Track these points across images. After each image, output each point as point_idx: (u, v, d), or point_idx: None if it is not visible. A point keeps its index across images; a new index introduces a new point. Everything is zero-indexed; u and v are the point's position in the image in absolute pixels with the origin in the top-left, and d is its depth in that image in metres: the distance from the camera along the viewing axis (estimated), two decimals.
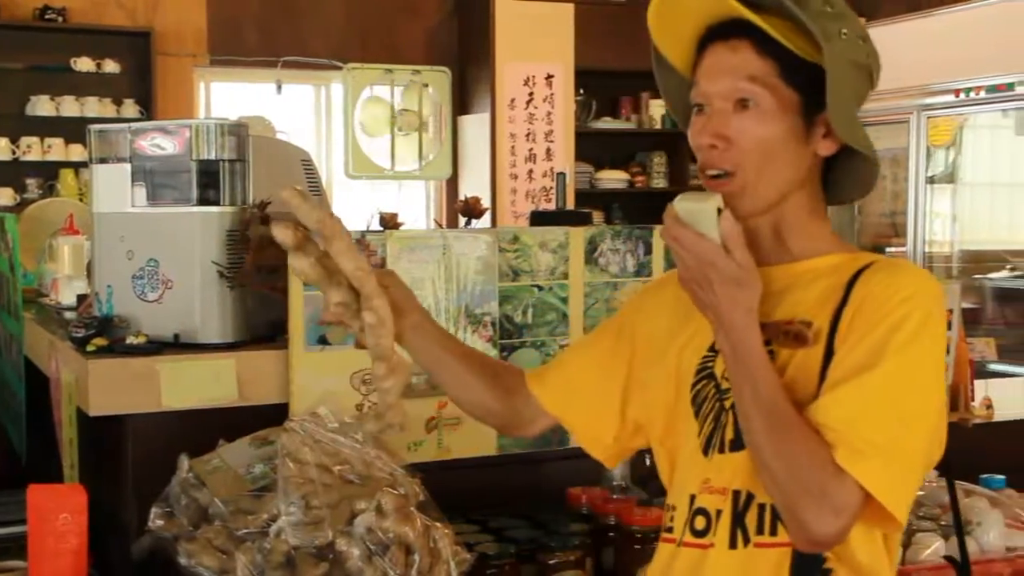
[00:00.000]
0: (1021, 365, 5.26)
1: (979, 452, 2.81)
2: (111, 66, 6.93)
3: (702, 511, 1.48)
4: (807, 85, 1.41)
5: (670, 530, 1.54)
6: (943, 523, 2.27)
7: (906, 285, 1.39)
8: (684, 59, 1.52)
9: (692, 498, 1.49)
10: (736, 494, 1.44)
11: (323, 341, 2.36)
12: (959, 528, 1.83)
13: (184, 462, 2.17)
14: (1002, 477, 2.64)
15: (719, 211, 1.37)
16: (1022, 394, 3.84)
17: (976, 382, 3.04)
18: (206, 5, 7.15)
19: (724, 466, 1.46)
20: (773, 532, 1.41)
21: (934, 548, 2.18)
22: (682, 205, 1.38)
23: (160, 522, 2.12)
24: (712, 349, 1.49)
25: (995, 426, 2.92)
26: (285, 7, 7.32)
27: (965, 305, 5.21)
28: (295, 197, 1.44)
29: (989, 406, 2.97)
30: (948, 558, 1.96)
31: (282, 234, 1.46)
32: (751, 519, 1.43)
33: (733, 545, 1.44)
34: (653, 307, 1.64)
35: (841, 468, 1.31)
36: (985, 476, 2.63)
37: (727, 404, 1.46)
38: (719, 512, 1.46)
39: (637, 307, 1.68)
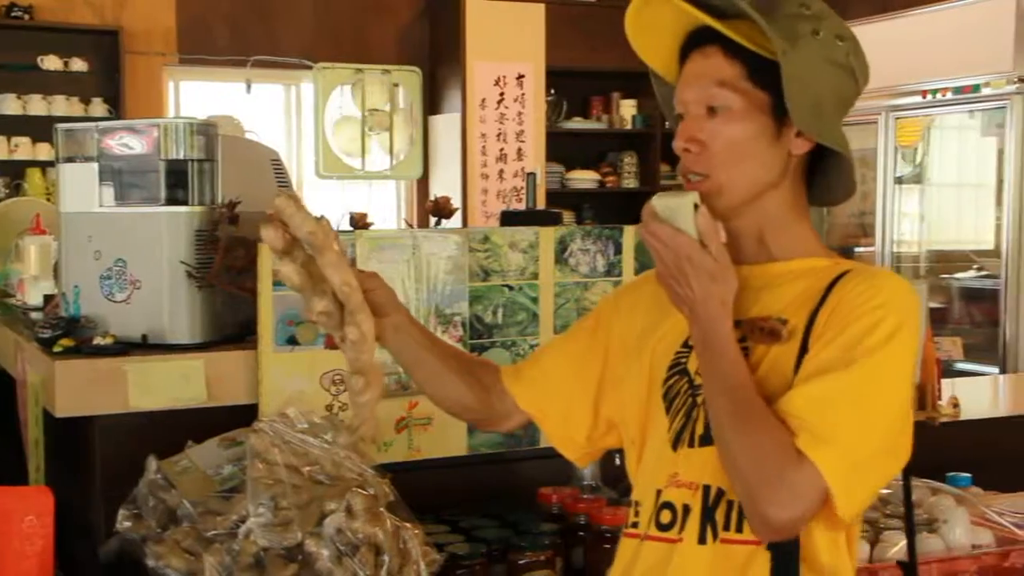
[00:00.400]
0: (987, 364, 5.31)
1: (945, 451, 2.84)
2: (79, 65, 6.87)
3: (668, 505, 1.49)
4: (777, 86, 1.42)
5: (635, 525, 1.55)
6: None
7: (883, 292, 1.41)
8: (669, 69, 1.55)
9: (658, 493, 1.50)
10: (707, 489, 1.46)
11: (292, 341, 2.35)
12: (910, 528, 1.86)
13: (152, 463, 2.16)
14: (968, 475, 2.66)
15: (696, 207, 1.40)
16: (988, 393, 3.88)
17: (943, 381, 3.06)
18: (175, 4, 7.11)
19: (693, 460, 1.47)
20: (739, 529, 1.42)
21: (900, 546, 2.19)
22: (660, 201, 1.42)
23: (128, 524, 2.11)
24: (686, 345, 1.51)
25: (961, 425, 2.95)
26: (255, 6, 7.29)
27: (932, 305, 5.26)
28: (288, 205, 1.42)
29: (956, 405, 2.99)
30: (900, 563, 1.97)
31: (269, 237, 1.44)
32: (720, 515, 1.44)
33: (702, 540, 1.45)
34: (629, 305, 1.65)
35: (801, 453, 1.33)
36: (951, 474, 2.65)
37: (699, 400, 1.47)
38: (686, 507, 1.47)
39: (613, 306, 1.69)
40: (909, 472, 1.73)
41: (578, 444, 1.68)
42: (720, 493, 1.44)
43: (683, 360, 1.52)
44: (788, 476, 1.33)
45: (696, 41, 1.48)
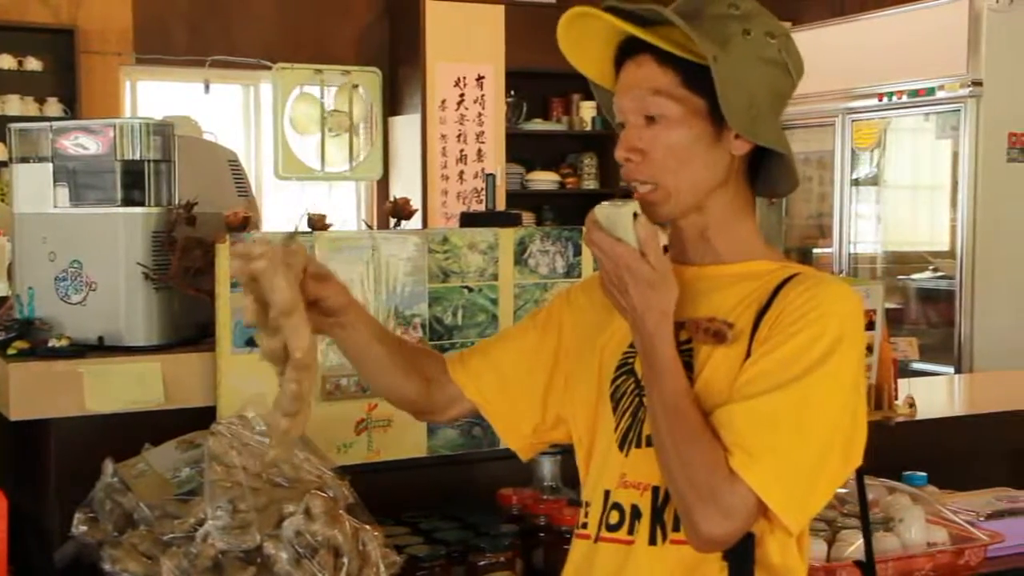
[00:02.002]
0: (943, 364, 5.37)
1: (902, 450, 2.87)
2: (33, 64, 6.80)
3: (616, 506, 1.50)
4: (712, 90, 1.43)
5: (585, 526, 1.55)
6: None
7: (826, 301, 1.42)
8: (606, 77, 1.56)
9: (607, 493, 1.51)
10: (656, 490, 1.46)
11: (251, 343, 2.34)
12: (866, 528, 1.88)
13: (109, 466, 2.14)
14: (924, 474, 2.69)
15: (635, 216, 1.41)
16: (944, 393, 3.92)
17: (899, 381, 3.09)
18: (132, 3, 7.04)
19: (641, 461, 1.48)
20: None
21: (857, 545, 2.21)
22: (601, 211, 1.43)
23: (84, 528, 2.09)
24: (633, 345, 1.51)
25: (917, 424, 2.98)
26: (213, 6, 7.24)
27: (888, 305, 5.30)
28: (267, 270, 1.39)
29: (912, 404, 3.02)
30: (858, 563, 1.99)
31: (234, 267, 1.42)
32: (669, 516, 1.45)
33: (653, 541, 1.46)
34: (583, 302, 1.66)
35: (734, 472, 1.35)
36: (907, 473, 2.68)
37: (646, 400, 1.47)
38: (635, 507, 1.48)
39: (567, 300, 1.69)
40: (862, 473, 1.75)
41: (523, 435, 1.68)
42: (668, 495, 1.45)
43: (630, 361, 1.53)
44: (720, 495, 1.35)
45: (629, 50, 1.49)
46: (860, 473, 1.84)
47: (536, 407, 1.65)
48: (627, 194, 1.52)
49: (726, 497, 1.35)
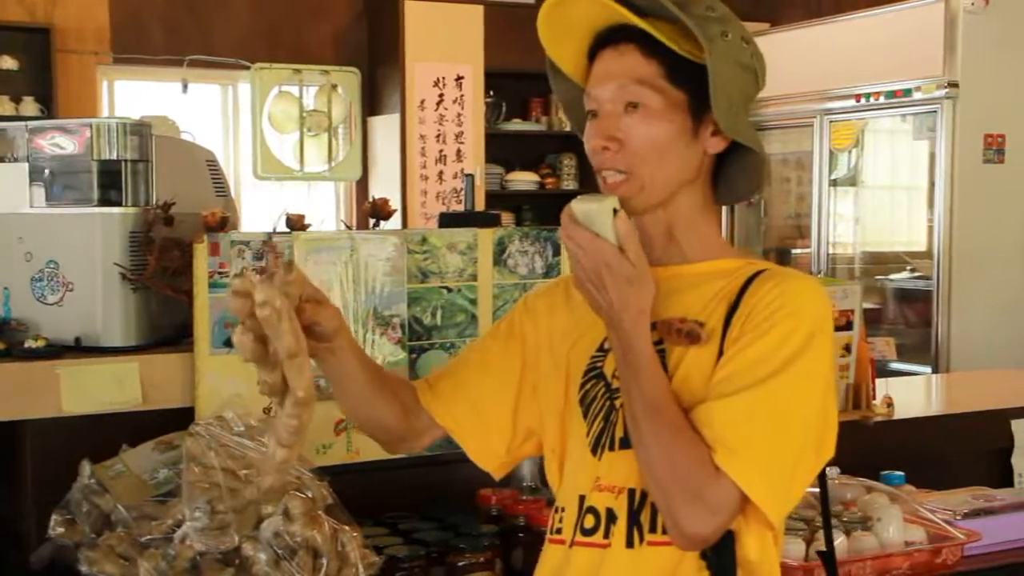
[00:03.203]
0: (920, 364, 5.40)
1: (879, 449, 2.88)
2: (9, 63, 6.75)
3: (591, 510, 1.49)
4: (693, 85, 1.44)
5: (559, 531, 1.54)
6: (845, 519, 2.31)
7: (796, 298, 1.43)
8: (578, 69, 1.55)
9: (582, 498, 1.50)
10: (631, 492, 1.46)
11: (229, 344, 2.33)
12: (827, 521, 1.89)
13: (86, 468, 2.13)
14: (901, 474, 2.70)
15: (615, 212, 1.40)
16: (921, 393, 3.94)
17: (877, 381, 3.11)
18: (108, 2, 7.00)
19: (615, 464, 1.47)
20: (666, 531, 1.43)
21: (836, 544, 2.22)
22: (579, 206, 1.41)
23: (61, 529, 2.08)
24: (601, 349, 1.51)
25: (895, 424, 2.99)
26: (191, 5, 7.21)
27: (866, 305, 5.33)
28: (273, 319, 1.35)
29: (890, 404, 3.03)
30: (820, 553, 2.00)
31: (236, 306, 1.38)
32: (645, 517, 1.45)
33: (630, 544, 1.45)
34: (544, 309, 1.64)
35: (719, 468, 1.35)
36: (885, 472, 2.69)
37: (617, 403, 1.47)
38: (610, 511, 1.47)
39: (525, 309, 1.67)
40: (823, 472, 1.76)
41: (497, 455, 1.64)
42: (644, 496, 1.44)
43: (599, 364, 1.52)
44: (706, 492, 1.35)
45: (607, 40, 1.49)
46: (822, 473, 1.84)
47: (507, 424, 1.62)
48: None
49: (712, 493, 1.35)
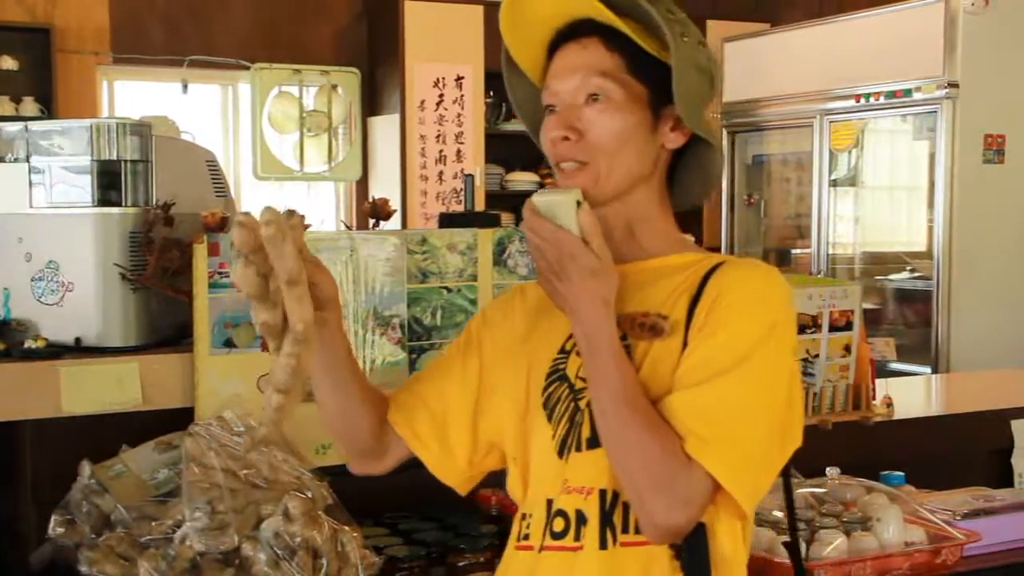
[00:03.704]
0: (920, 364, 5.40)
1: (879, 450, 2.88)
2: (9, 63, 6.75)
3: (561, 513, 1.47)
4: (655, 80, 1.46)
5: (526, 537, 1.52)
6: (845, 519, 2.31)
7: (758, 286, 1.44)
8: (535, 66, 1.56)
9: (549, 502, 1.49)
10: (603, 493, 1.44)
11: (229, 344, 2.33)
12: (792, 520, 1.90)
13: (86, 468, 2.13)
14: (901, 474, 2.70)
15: (579, 204, 1.40)
16: (921, 393, 3.94)
17: (877, 381, 3.11)
18: (108, 2, 7.00)
19: (583, 464, 1.46)
20: (638, 531, 1.42)
21: (836, 544, 2.22)
22: (541, 199, 1.41)
23: (61, 530, 2.08)
24: (563, 351, 1.50)
25: (895, 424, 2.99)
26: (191, 5, 7.21)
27: (866, 306, 5.33)
28: (276, 237, 1.34)
29: (889, 404, 3.03)
30: (786, 544, 2.00)
31: (240, 238, 1.36)
32: (618, 518, 1.44)
33: (603, 546, 1.44)
34: (500, 317, 1.63)
35: (690, 458, 1.35)
36: (885, 473, 2.69)
37: (582, 403, 1.46)
38: (579, 512, 1.45)
39: (483, 319, 1.66)
40: (788, 472, 1.77)
41: (459, 469, 1.61)
42: (616, 496, 1.44)
43: (561, 366, 1.51)
44: (680, 482, 1.35)
45: (569, 35, 1.50)
46: (786, 473, 1.85)
47: (467, 437, 1.59)
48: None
49: (683, 483, 1.35)
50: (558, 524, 1.47)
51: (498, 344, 1.60)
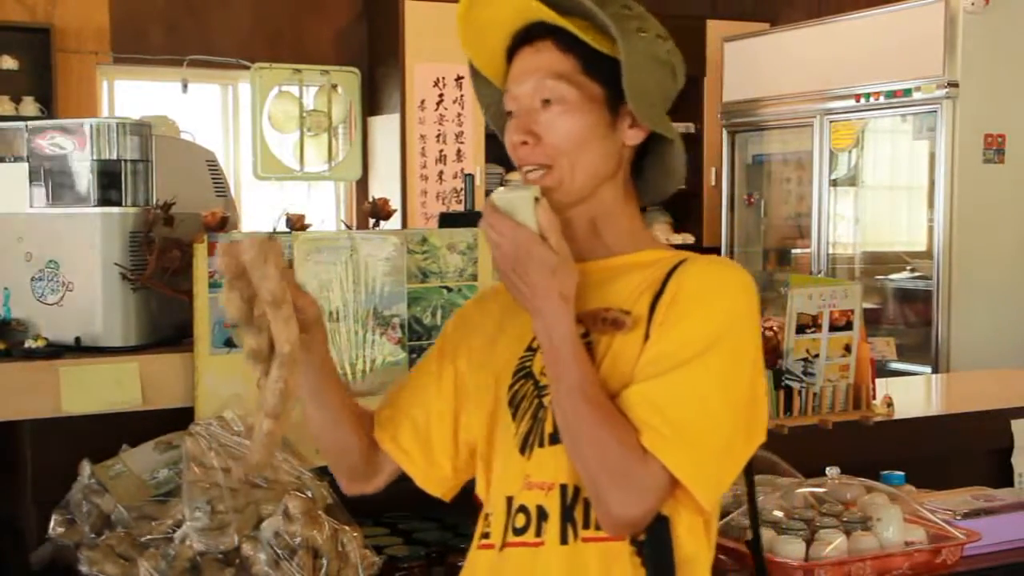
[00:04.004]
0: (920, 364, 5.40)
1: (879, 449, 2.88)
2: (9, 62, 6.75)
3: (522, 509, 1.47)
4: (610, 79, 1.46)
5: (487, 536, 1.52)
6: (845, 519, 2.31)
7: (720, 280, 1.45)
8: (497, 71, 1.57)
9: (510, 499, 1.49)
10: (563, 488, 1.45)
11: (229, 344, 2.33)
12: (753, 511, 1.90)
13: (86, 468, 2.13)
14: (901, 474, 2.70)
15: (536, 201, 1.41)
16: (921, 393, 3.94)
17: (877, 381, 3.11)
18: (108, 2, 7.00)
19: (545, 460, 1.46)
20: (599, 526, 1.42)
21: (836, 544, 2.22)
22: (500, 196, 1.42)
23: (61, 529, 2.08)
24: (530, 348, 1.50)
25: (895, 424, 2.99)
26: (191, 5, 7.21)
27: (866, 305, 5.34)
28: (258, 260, 1.35)
29: (889, 404, 3.03)
30: (748, 543, 2.00)
31: (223, 264, 1.38)
32: (579, 513, 1.44)
33: (564, 541, 1.44)
34: (473, 321, 1.63)
35: (647, 451, 1.35)
36: (885, 472, 2.69)
37: (546, 400, 1.46)
38: (540, 508, 1.45)
39: (456, 325, 1.66)
40: (751, 468, 1.78)
41: (445, 478, 1.62)
42: (577, 491, 1.44)
43: (527, 364, 1.51)
44: (635, 475, 1.35)
45: (524, 39, 1.51)
46: (749, 472, 1.86)
47: (449, 444, 1.59)
48: None
49: (640, 477, 1.35)
50: (519, 520, 1.47)
51: (472, 345, 1.60)
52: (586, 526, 1.43)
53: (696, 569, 1.45)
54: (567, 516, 1.44)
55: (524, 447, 1.48)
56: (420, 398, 1.61)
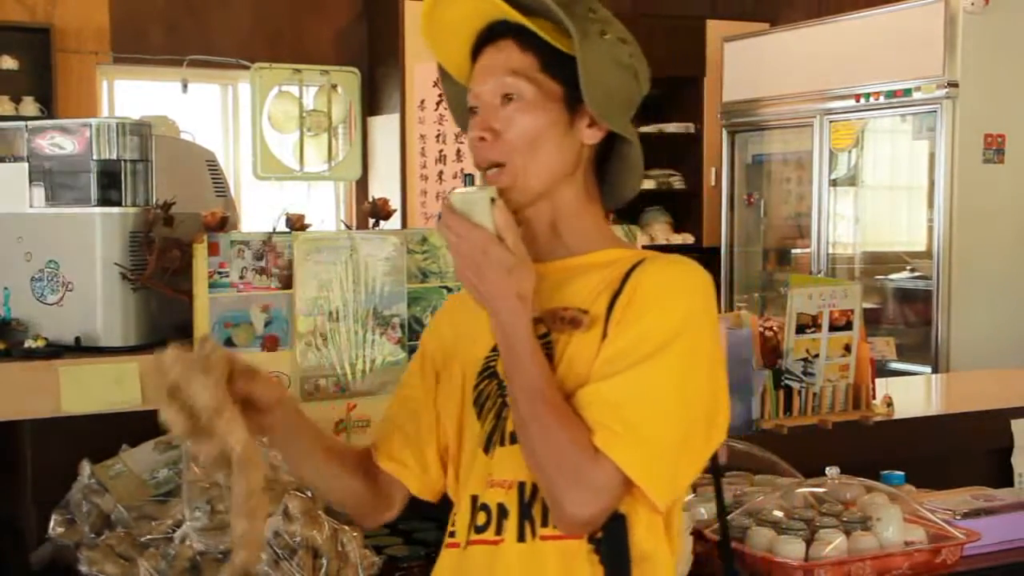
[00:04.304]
0: (920, 364, 5.40)
1: (879, 449, 2.88)
2: (9, 63, 6.75)
3: (484, 507, 1.48)
4: (569, 78, 1.47)
5: (452, 535, 1.53)
6: (845, 519, 2.31)
7: (677, 279, 1.45)
8: (462, 69, 1.57)
9: (474, 498, 1.50)
10: (522, 486, 1.46)
11: (229, 343, 2.33)
12: (721, 509, 1.92)
13: (86, 468, 2.13)
14: (901, 473, 2.70)
15: (493, 201, 1.41)
16: (921, 392, 3.94)
17: (877, 381, 3.11)
18: (108, 1, 7.00)
19: (506, 459, 1.47)
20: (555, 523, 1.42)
21: (836, 544, 2.22)
22: (457, 196, 1.43)
23: (60, 529, 2.08)
24: (495, 348, 1.50)
25: (895, 424, 2.99)
26: (190, 5, 7.21)
27: (866, 305, 5.34)
28: (184, 377, 1.34)
29: (889, 404, 3.03)
30: (717, 542, 2.00)
31: (153, 381, 1.37)
32: (537, 511, 1.44)
33: (522, 538, 1.45)
34: (446, 326, 1.64)
35: (599, 450, 1.36)
36: (885, 472, 2.69)
37: (509, 400, 1.46)
38: (501, 506, 1.46)
39: (431, 331, 1.68)
40: (716, 464, 1.80)
41: (434, 481, 1.62)
42: (535, 489, 1.44)
43: (492, 364, 1.52)
44: (586, 474, 1.35)
45: (487, 38, 1.52)
46: (716, 472, 1.86)
47: (435, 449, 1.60)
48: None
49: (592, 476, 1.35)
50: (481, 518, 1.48)
51: (444, 349, 1.61)
52: (544, 524, 1.44)
53: (655, 567, 1.45)
54: (525, 514, 1.45)
55: (488, 446, 1.50)
56: (412, 409, 1.62)
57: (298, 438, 1.52)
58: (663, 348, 1.39)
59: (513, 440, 1.45)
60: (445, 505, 2.43)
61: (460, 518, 1.52)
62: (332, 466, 1.56)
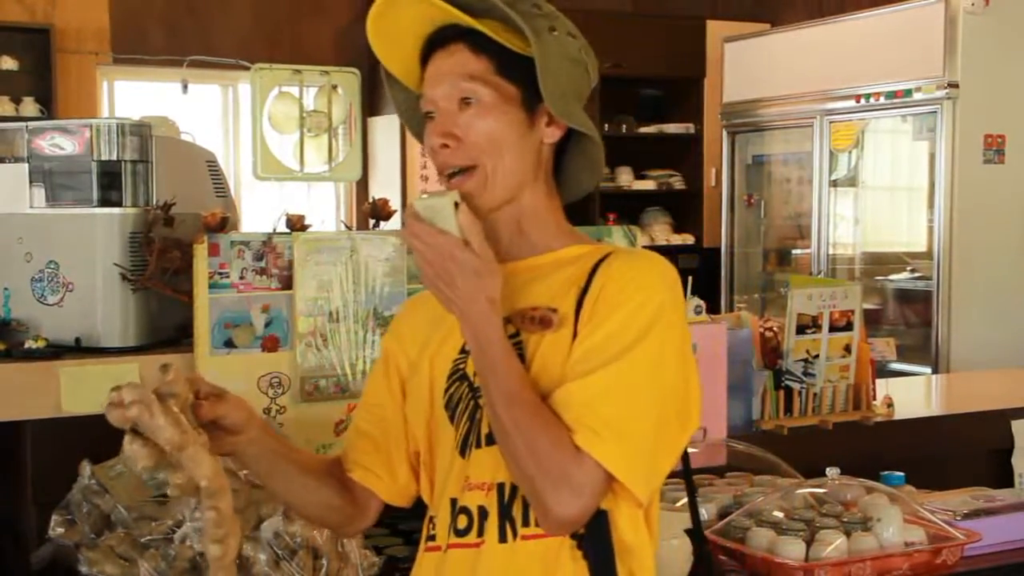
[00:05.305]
0: (920, 365, 5.40)
1: (879, 450, 2.89)
2: (9, 63, 6.75)
3: (464, 510, 1.48)
4: (525, 78, 1.47)
5: (432, 539, 1.53)
6: (845, 519, 2.31)
7: (643, 273, 1.45)
8: (411, 75, 1.57)
9: (454, 501, 1.50)
10: (500, 487, 1.46)
11: (229, 344, 2.33)
12: (692, 499, 1.94)
13: (86, 468, 2.13)
14: (901, 474, 2.70)
15: (456, 205, 1.41)
16: (921, 393, 3.94)
17: (877, 381, 3.11)
18: (108, 2, 7.01)
19: (483, 460, 1.47)
20: (538, 524, 1.42)
21: (836, 544, 2.22)
22: (421, 203, 1.43)
23: (61, 530, 2.08)
24: (463, 351, 1.51)
25: (895, 424, 2.99)
26: (190, 5, 7.21)
27: (866, 306, 5.34)
28: (143, 416, 1.33)
29: (890, 404, 3.04)
30: (688, 531, 2.00)
31: (112, 417, 1.36)
32: (517, 512, 1.44)
33: (503, 539, 1.45)
34: (407, 328, 1.64)
35: (580, 449, 1.36)
36: (885, 473, 2.69)
37: (482, 402, 1.46)
38: (482, 508, 1.46)
39: (392, 334, 1.67)
40: (687, 458, 1.81)
41: (403, 485, 1.62)
42: (515, 489, 1.44)
43: (461, 367, 1.52)
44: (570, 474, 1.36)
45: (438, 42, 1.51)
46: (687, 474, 1.88)
47: (404, 455, 1.61)
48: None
49: (575, 475, 1.36)
50: (461, 521, 1.48)
51: (409, 354, 1.61)
52: (525, 524, 1.44)
53: (639, 559, 1.46)
54: (505, 514, 1.45)
55: (463, 449, 1.49)
56: (375, 416, 1.62)
57: (268, 456, 1.53)
58: (635, 343, 1.39)
59: (489, 442, 1.45)
60: None
61: (440, 522, 1.52)
62: (304, 480, 1.56)
